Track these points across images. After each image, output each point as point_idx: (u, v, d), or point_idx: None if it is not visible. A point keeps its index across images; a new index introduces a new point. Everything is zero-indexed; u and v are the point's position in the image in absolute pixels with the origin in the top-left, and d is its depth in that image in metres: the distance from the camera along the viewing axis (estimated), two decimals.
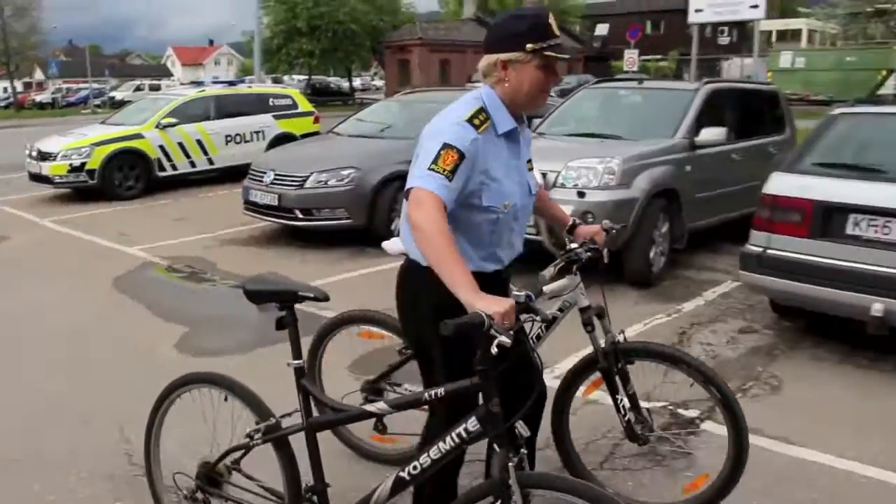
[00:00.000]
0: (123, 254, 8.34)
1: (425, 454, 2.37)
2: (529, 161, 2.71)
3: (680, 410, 4.21)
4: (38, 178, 12.07)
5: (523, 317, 2.22)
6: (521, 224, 2.68)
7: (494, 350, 1.99)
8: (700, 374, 3.06)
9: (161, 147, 12.46)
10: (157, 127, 12.46)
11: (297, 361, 2.57)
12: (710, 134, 7.09)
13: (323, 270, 7.32)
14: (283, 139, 13.45)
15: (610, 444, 3.93)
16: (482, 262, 2.57)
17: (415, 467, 2.39)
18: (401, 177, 8.41)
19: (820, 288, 4.89)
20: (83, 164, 11.68)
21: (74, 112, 41.66)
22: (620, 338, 3.14)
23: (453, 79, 42.68)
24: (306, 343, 3.03)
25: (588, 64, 45.55)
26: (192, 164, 13.01)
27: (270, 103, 14.25)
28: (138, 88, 47.50)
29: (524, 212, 2.68)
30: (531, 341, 3.12)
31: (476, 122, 2.42)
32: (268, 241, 8.92)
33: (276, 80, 46.41)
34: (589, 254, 3.03)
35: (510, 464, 2.14)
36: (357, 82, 60.10)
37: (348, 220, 8.30)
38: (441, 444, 2.34)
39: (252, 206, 8.85)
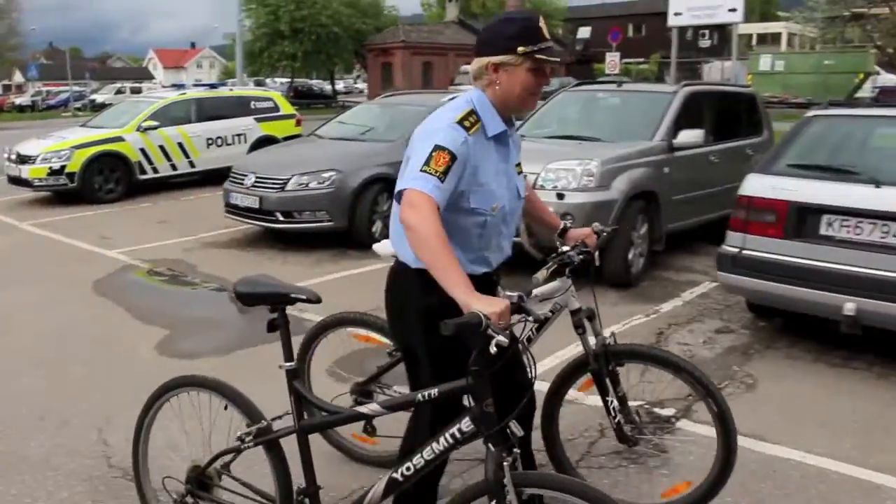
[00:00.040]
0: (103, 257, 8.31)
1: (418, 455, 2.38)
2: (519, 164, 2.73)
3: (656, 409, 4.26)
4: (17, 181, 12.02)
5: (516, 317, 2.23)
6: (509, 227, 2.69)
7: (493, 350, 2.01)
8: (690, 376, 3.09)
9: (142, 150, 12.42)
10: (138, 130, 12.41)
11: (288, 364, 2.57)
12: (688, 136, 7.17)
13: (304, 273, 7.33)
14: (264, 142, 13.46)
15: (586, 442, 3.97)
16: (471, 264, 2.59)
17: (408, 468, 2.40)
18: (382, 179, 8.48)
19: (794, 288, 4.97)
20: (63, 168, 11.62)
21: (55, 115, 41.37)
22: (610, 340, 3.17)
23: (436, 81, 42.79)
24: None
25: (570, 67, 45.75)
26: (174, 167, 12.97)
27: (252, 106, 14.22)
28: (119, 91, 47.17)
29: (513, 215, 2.69)
30: (522, 343, 3.16)
31: (466, 123, 2.44)
32: (249, 243, 8.92)
33: (259, 83, 46.30)
34: (581, 256, 3.06)
35: (505, 463, 2.15)
36: (340, 85, 60.02)
37: (329, 223, 8.31)
38: (435, 444, 2.35)
39: (233, 209, 8.85)
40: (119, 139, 12.23)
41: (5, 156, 12.35)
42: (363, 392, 3.60)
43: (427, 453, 2.36)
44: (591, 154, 6.67)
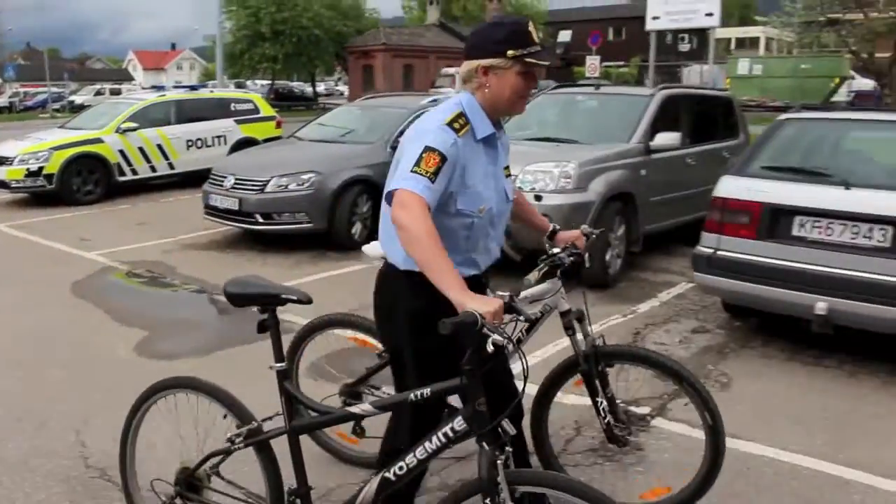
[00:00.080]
0: (82, 259, 8.27)
1: (411, 454, 2.38)
2: (507, 168, 2.76)
3: (631, 408, 4.31)
4: None
5: (507, 317, 2.24)
6: (498, 230, 2.71)
7: (490, 348, 2.03)
8: (679, 378, 3.13)
9: (121, 151, 12.36)
10: (117, 131, 12.35)
11: (279, 364, 2.56)
12: (664, 139, 7.25)
13: (284, 274, 7.33)
14: (244, 144, 13.46)
15: (562, 440, 4.02)
16: (459, 266, 2.57)
17: (401, 468, 2.40)
18: (361, 181, 8.51)
19: (767, 288, 5.05)
20: (41, 169, 11.54)
21: (32, 116, 41.00)
22: (600, 341, 3.20)
23: (417, 84, 42.81)
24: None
25: (550, 70, 45.90)
26: (153, 169, 12.92)
27: (232, 108, 14.20)
28: (99, 93, 46.83)
29: (501, 217, 2.71)
30: (514, 342, 3.19)
31: (456, 125, 2.46)
32: (228, 245, 8.91)
33: (240, 85, 46.13)
34: (572, 258, 3.10)
35: (498, 461, 2.17)
36: (321, 87, 59.93)
37: (309, 224, 8.33)
38: (427, 443, 2.36)
39: (212, 211, 8.84)
40: (98, 140, 12.16)
41: None
42: (352, 393, 3.60)
43: (420, 452, 2.37)
44: (569, 156, 6.74)
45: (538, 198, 6.42)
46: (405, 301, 2.57)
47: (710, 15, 16.85)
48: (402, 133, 8.86)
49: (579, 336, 3.20)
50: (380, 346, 3.42)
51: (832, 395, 4.68)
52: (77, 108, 36.19)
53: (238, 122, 14.06)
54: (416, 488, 2.84)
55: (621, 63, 52.26)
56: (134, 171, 12.62)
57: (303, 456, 2.60)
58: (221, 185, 8.68)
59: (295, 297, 2.54)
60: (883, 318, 4.68)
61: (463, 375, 2.20)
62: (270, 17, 42.64)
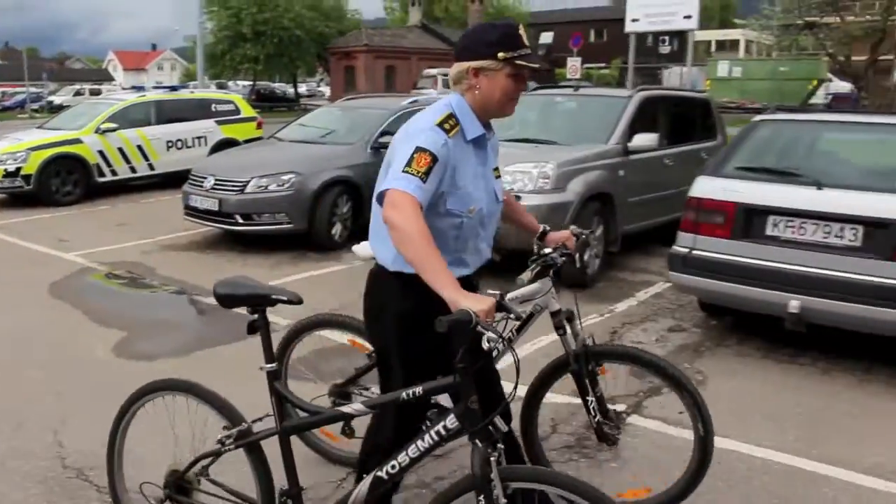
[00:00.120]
0: (61, 260, 8.23)
1: (404, 452, 2.39)
2: (496, 169, 2.77)
3: (607, 405, 4.35)
4: None
5: (498, 315, 2.25)
6: (488, 231, 2.72)
7: (486, 345, 2.06)
8: (668, 375, 3.17)
9: (100, 152, 12.30)
10: (96, 132, 12.29)
11: (269, 365, 2.56)
12: (642, 140, 7.32)
13: (264, 275, 7.33)
14: (225, 144, 13.43)
15: (538, 437, 4.04)
16: (449, 267, 2.55)
17: (393, 466, 2.41)
18: (342, 182, 8.53)
19: (742, 286, 5.12)
20: (18, 170, 11.45)
21: (10, 116, 40.59)
22: (590, 341, 3.23)
23: (399, 85, 42.84)
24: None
25: (538, 72, 46.05)
26: (133, 170, 12.85)
27: (213, 109, 14.16)
28: (78, 93, 46.49)
29: (491, 218, 2.72)
30: (506, 340, 3.22)
31: (446, 126, 2.48)
32: (208, 246, 8.89)
33: (221, 86, 45.99)
34: (563, 258, 3.13)
35: (491, 458, 2.18)
36: (303, 88, 59.78)
37: (289, 225, 8.33)
38: (420, 442, 2.37)
39: (192, 212, 8.82)
40: (77, 141, 12.10)
41: None
42: (341, 394, 3.60)
43: (412, 451, 2.38)
44: (547, 157, 6.79)
45: (517, 198, 6.44)
46: (394, 303, 2.59)
47: (688, 17, 17.02)
48: (382, 134, 8.99)
49: (569, 336, 3.22)
50: (369, 346, 3.42)
51: (806, 393, 4.75)
52: (56, 109, 35.89)
53: (219, 122, 14.02)
54: (394, 487, 2.86)
55: (602, 65, 52.57)
56: (114, 172, 12.56)
57: (294, 456, 2.59)
58: (201, 186, 8.67)
59: (285, 298, 2.54)
60: (854, 316, 4.76)
61: (455, 374, 2.22)
62: (252, 17, 42.56)
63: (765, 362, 5.26)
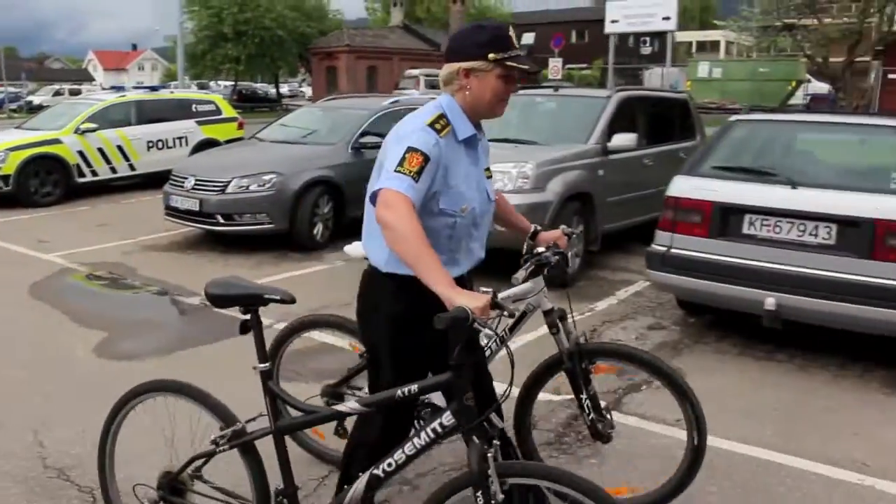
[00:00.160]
0: (40, 260, 8.19)
1: (400, 450, 2.41)
2: (488, 169, 2.79)
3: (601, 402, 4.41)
4: None
5: (493, 313, 2.25)
6: (481, 231, 2.74)
7: (484, 341, 2.07)
8: (662, 374, 3.21)
9: (80, 152, 12.23)
10: (75, 132, 12.21)
11: (263, 365, 2.56)
12: (621, 139, 7.38)
13: (246, 276, 7.19)
14: (206, 145, 13.38)
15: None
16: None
17: (389, 464, 2.42)
18: (323, 182, 8.54)
19: (719, 284, 5.18)
20: None
21: None
22: (582, 339, 3.25)
23: (380, 85, 42.80)
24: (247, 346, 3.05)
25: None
26: (113, 170, 12.79)
27: (193, 109, 14.11)
28: (58, 93, 46.07)
29: (484, 218, 2.73)
30: (495, 343, 3.25)
31: (437, 126, 2.49)
32: (189, 246, 8.87)
33: (202, 86, 45.76)
34: (557, 257, 3.16)
35: (488, 454, 2.20)
36: (285, 89, 59.59)
37: (270, 225, 8.33)
38: (416, 439, 2.38)
39: (173, 212, 8.80)
40: (56, 141, 12.02)
41: None
42: (334, 394, 3.60)
43: (409, 448, 2.40)
44: (527, 157, 6.84)
45: None
46: (386, 304, 2.61)
47: (667, 19, 17.20)
48: (363, 134, 9.00)
49: (562, 335, 3.24)
50: (362, 346, 3.42)
51: (783, 389, 4.82)
52: (35, 109, 35.60)
53: (199, 123, 13.98)
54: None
55: (584, 65, 52.76)
56: (94, 173, 12.49)
57: (289, 456, 2.60)
58: (182, 186, 8.65)
59: (278, 297, 2.55)
60: (828, 313, 4.85)
61: (451, 371, 2.24)
62: (233, 17, 42.37)
63: (743, 359, 5.33)
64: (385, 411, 2.64)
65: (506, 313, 2.27)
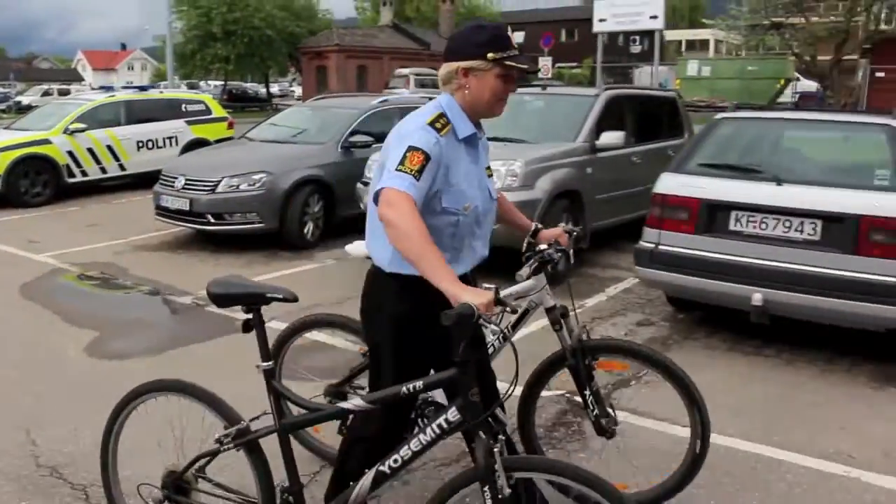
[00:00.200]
0: (31, 261, 8.18)
1: (406, 446, 2.41)
2: (488, 168, 2.82)
3: (576, 398, 4.44)
4: None
5: (497, 309, 2.25)
6: (484, 229, 2.75)
7: (490, 337, 2.09)
8: (665, 370, 3.24)
9: (70, 153, 12.20)
10: (65, 132, 12.18)
11: (266, 363, 2.55)
12: (609, 137, 7.43)
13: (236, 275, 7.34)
14: (196, 144, 13.37)
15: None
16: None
17: (395, 461, 2.42)
18: (313, 181, 8.56)
19: (706, 280, 5.24)
20: None
21: None
22: (585, 336, 3.28)
23: (370, 85, 42.76)
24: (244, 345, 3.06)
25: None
26: (103, 171, 12.76)
27: (183, 109, 14.09)
28: (47, 93, 45.85)
29: (487, 216, 2.75)
30: (498, 341, 3.29)
31: (438, 125, 2.51)
32: (180, 245, 8.88)
33: (192, 86, 45.61)
34: (559, 254, 3.19)
35: (494, 449, 2.21)
36: (275, 88, 59.48)
37: (260, 224, 8.35)
38: (422, 435, 2.39)
39: (163, 212, 8.80)
40: (45, 142, 11.99)
41: None
42: (337, 394, 3.60)
43: (414, 445, 2.40)
44: (515, 155, 6.87)
45: None
46: (389, 304, 2.62)
47: (654, 17, 17.29)
48: (353, 133, 9.02)
49: (565, 332, 3.26)
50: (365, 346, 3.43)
51: (771, 384, 4.87)
52: (24, 109, 35.45)
53: (189, 122, 13.96)
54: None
55: (574, 64, 52.83)
56: (84, 173, 12.47)
57: (293, 453, 2.60)
58: (172, 186, 8.66)
59: (280, 296, 2.55)
60: (814, 308, 4.91)
61: (457, 368, 2.25)
62: (222, 17, 42.26)
63: (731, 354, 5.38)
64: (386, 407, 2.64)
65: (508, 309, 2.29)
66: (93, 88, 30.16)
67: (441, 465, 3.72)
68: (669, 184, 5.51)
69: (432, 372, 2.58)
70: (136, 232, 9.51)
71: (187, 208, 8.43)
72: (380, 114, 9.52)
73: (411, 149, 2.41)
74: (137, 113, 13.37)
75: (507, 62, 2.53)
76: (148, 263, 8.02)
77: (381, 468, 2.45)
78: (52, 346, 5.55)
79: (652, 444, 3.98)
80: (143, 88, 15.82)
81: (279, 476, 2.62)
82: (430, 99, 2.79)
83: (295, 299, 2.55)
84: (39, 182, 11.88)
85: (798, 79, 36.19)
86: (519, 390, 3.16)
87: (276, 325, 2.92)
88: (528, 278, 3.18)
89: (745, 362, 5.24)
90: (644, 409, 4.41)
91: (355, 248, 3.26)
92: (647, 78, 34.66)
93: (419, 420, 3.11)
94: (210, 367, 4.92)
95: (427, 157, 2.41)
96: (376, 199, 2.40)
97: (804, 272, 4.87)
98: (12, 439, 4.05)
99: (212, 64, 44.59)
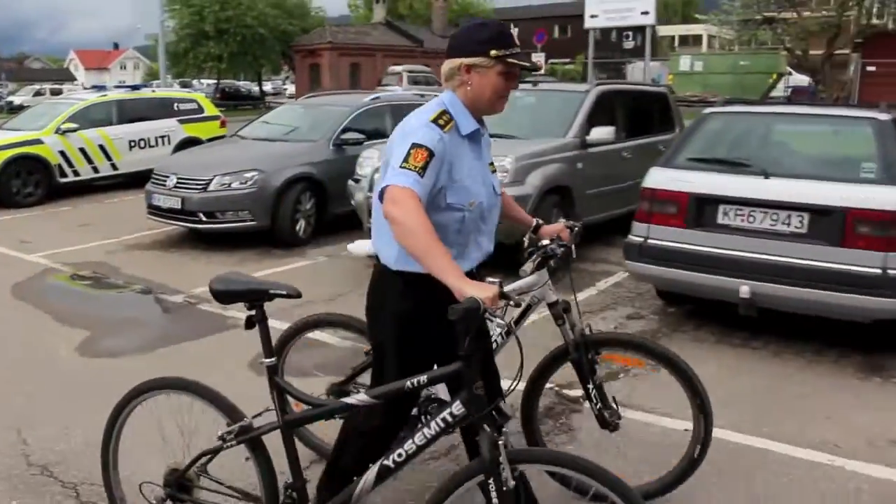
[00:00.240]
0: (23, 261, 8.18)
1: (410, 441, 2.42)
2: (492, 163, 2.83)
3: (565, 391, 4.48)
4: None
5: (501, 303, 2.27)
6: (489, 224, 2.77)
7: (496, 331, 2.10)
8: (668, 362, 3.27)
9: (62, 153, 12.18)
10: (56, 132, 12.16)
11: (269, 360, 2.57)
12: (600, 133, 7.45)
13: None
14: (188, 143, 13.35)
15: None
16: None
17: (399, 455, 2.43)
18: (305, 178, 8.57)
19: (695, 273, 5.27)
20: None
21: None
22: (587, 330, 3.30)
23: (364, 82, 42.71)
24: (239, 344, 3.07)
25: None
26: (96, 170, 12.75)
27: (175, 107, 14.07)
28: (39, 93, 45.73)
29: (491, 212, 2.76)
30: (501, 336, 3.30)
31: (441, 122, 2.52)
32: (172, 244, 8.89)
33: (185, 85, 45.48)
34: (562, 249, 3.21)
35: (499, 442, 2.23)
36: (268, 87, 59.38)
37: (252, 222, 8.36)
38: (426, 429, 2.40)
39: (155, 211, 8.81)
40: (37, 141, 11.97)
41: None
42: (340, 392, 3.59)
43: (419, 438, 2.41)
44: (506, 150, 6.88)
45: None
46: (393, 302, 2.64)
47: (645, 13, 17.31)
48: (345, 131, 9.02)
49: (568, 326, 3.27)
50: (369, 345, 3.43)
51: (759, 375, 4.91)
52: (15, 109, 35.33)
53: (181, 121, 13.95)
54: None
55: (567, 60, 52.84)
56: (76, 173, 12.45)
57: (297, 450, 2.62)
58: (164, 185, 8.66)
59: (284, 292, 2.55)
60: (801, 300, 4.94)
61: (461, 361, 2.27)
62: (214, 15, 42.13)
63: (720, 346, 5.42)
64: (388, 406, 2.64)
65: (512, 303, 2.31)
66: (85, 88, 30.11)
67: (430, 458, 3.75)
68: (658, 178, 5.54)
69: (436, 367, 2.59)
70: (129, 231, 9.50)
71: (179, 207, 8.43)
72: (371, 111, 9.54)
73: (415, 146, 2.42)
74: (129, 112, 13.35)
75: (510, 59, 2.54)
76: (140, 262, 8.02)
77: (386, 462, 2.46)
78: (44, 345, 5.56)
79: (645, 437, 4.00)
80: (135, 87, 15.79)
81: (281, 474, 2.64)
82: (423, 96, 2.81)
83: (298, 295, 2.56)
84: (31, 182, 11.85)
85: (790, 73, 36.26)
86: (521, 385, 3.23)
87: (271, 323, 2.91)
88: (531, 273, 3.21)
89: (733, 354, 5.28)
90: (633, 401, 4.43)
91: (357, 246, 3.28)
92: (640, 73, 34.71)
93: (422, 417, 3.13)
94: (202, 365, 4.93)
95: (431, 154, 2.43)
96: (381, 197, 2.41)
97: (791, 264, 4.91)
98: (3, 438, 4.06)
99: (204, 62, 44.49)
